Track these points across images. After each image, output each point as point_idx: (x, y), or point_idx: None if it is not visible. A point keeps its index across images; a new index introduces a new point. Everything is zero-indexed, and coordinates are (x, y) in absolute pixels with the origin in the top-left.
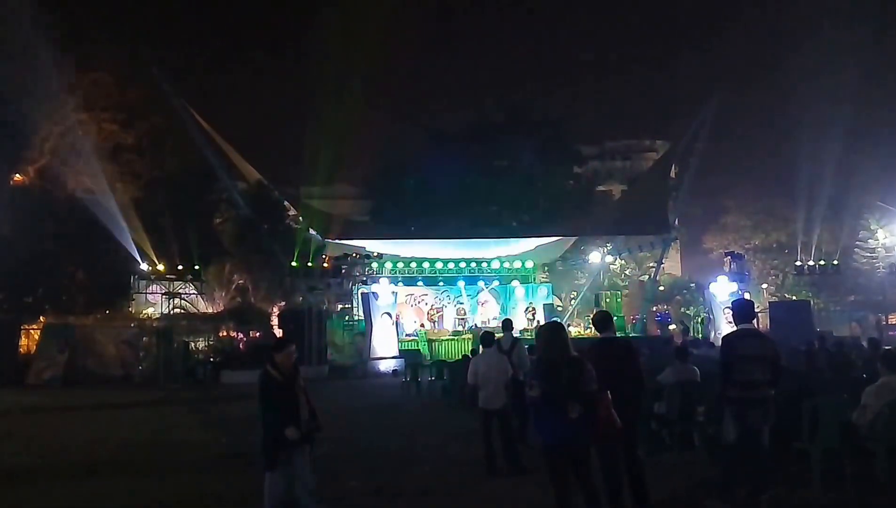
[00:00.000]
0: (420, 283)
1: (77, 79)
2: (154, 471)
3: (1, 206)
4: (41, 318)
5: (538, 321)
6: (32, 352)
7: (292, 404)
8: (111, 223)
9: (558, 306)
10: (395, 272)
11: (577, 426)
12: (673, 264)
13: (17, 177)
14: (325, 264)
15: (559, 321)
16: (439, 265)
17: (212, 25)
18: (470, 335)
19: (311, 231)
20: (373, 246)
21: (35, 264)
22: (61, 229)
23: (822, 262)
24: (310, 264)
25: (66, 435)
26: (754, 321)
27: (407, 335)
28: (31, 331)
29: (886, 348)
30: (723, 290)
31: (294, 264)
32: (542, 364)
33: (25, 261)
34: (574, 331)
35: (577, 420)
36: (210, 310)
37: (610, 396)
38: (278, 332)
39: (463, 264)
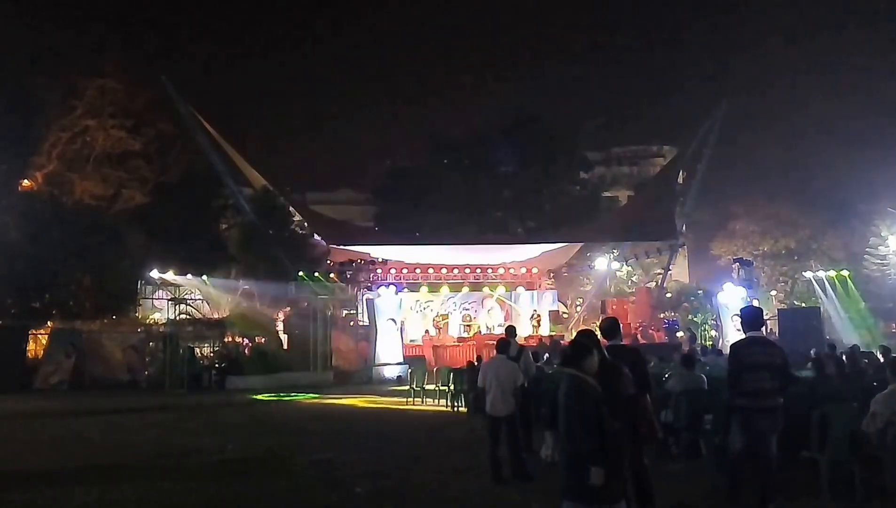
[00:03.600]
0: (425, 289)
1: (84, 85)
2: (160, 477)
3: (9, 212)
4: (49, 323)
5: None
6: (40, 357)
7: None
8: (118, 228)
9: (564, 312)
10: (400, 278)
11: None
12: (680, 271)
13: (26, 183)
14: (332, 275)
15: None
16: (444, 271)
17: (217, 30)
18: (474, 342)
19: (317, 237)
20: (378, 252)
21: (43, 269)
22: (69, 235)
23: (831, 273)
24: (316, 273)
25: (72, 440)
26: (763, 328)
27: (411, 341)
28: (39, 336)
29: (894, 355)
30: (731, 297)
31: (301, 273)
32: None
33: (33, 266)
34: None
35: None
36: (216, 316)
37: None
38: (283, 338)
39: (468, 271)
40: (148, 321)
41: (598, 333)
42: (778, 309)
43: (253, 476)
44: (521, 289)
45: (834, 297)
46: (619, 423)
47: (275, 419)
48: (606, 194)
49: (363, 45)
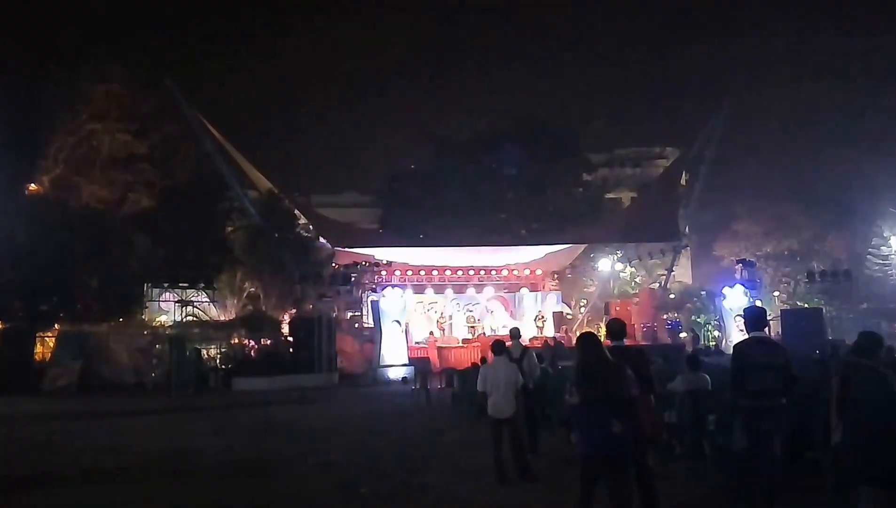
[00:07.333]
0: (429, 290)
1: (91, 90)
2: (166, 478)
3: (16, 215)
4: (56, 325)
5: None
6: (47, 359)
7: None
8: (125, 232)
9: (567, 314)
10: (405, 280)
11: (617, 436)
12: (683, 272)
13: (33, 187)
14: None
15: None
16: (448, 273)
17: (223, 35)
18: (479, 343)
19: (322, 239)
20: (382, 254)
21: (50, 272)
22: (75, 238)
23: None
24: (320, 273)
25: (80, 442)
26: (766, 328)
27: (416, 342)
28: (46, 338)
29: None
30: (734, 298)
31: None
32: (582, 372)
33: (40, 269)
34: None
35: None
36: (222, 318)
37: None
38: (290, 339)
39: (472, 272)
40: (154, 323)
41: (604, 333)
42: (781, 310)
43: (258, 477)
44: (524, 290)
45: None
46: (622, 424)
47: (280, 420)
48: (609, 195)
49: (366, 48)
